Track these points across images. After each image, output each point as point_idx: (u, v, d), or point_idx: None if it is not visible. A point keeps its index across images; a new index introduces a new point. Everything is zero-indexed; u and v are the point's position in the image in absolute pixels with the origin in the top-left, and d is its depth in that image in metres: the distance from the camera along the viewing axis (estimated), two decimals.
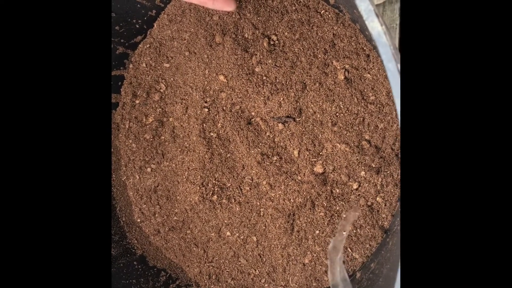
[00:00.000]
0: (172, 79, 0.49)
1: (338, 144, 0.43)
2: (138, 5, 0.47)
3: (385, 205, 0.44)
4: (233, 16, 0.46)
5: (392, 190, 0.43)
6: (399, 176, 0.43)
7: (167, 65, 0.50)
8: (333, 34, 0.45)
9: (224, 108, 0.47)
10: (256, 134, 0.46)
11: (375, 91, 0.44)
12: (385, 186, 0.43)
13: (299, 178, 0.44)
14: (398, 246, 0.30)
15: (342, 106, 0.44)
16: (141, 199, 0.50)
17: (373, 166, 0.43)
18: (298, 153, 0.45)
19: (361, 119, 0.44)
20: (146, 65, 0.50)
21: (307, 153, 0.44)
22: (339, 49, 0.44)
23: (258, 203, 0.46)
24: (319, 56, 0.44)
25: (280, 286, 0.46)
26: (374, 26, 0.24)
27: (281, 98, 0.44)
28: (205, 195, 0.47)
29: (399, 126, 0.26)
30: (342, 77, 0.44)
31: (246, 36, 0.46)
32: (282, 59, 0.45)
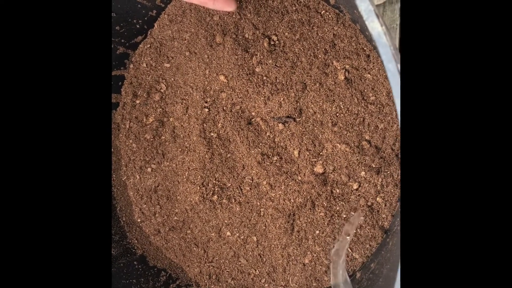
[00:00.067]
0: (172, 79, 0.49)
1: (338, 144, 0.44)
2: (139, 5, 0.47)
3: (385, 205, 0.44)
4: (234, 16, 0.46)
5: (392, 190, 0.43)
6: (399, 177, 0.43)
7: (168, 65, 0.50)
8: (334, 34, 0.45)
9: (224, 108, 0.47)
10: (257, 134, 0.46)
11: (375, 91, 0.44)
12: (385, 186, 0.43)
13: (299, 178, 0.44)
14: (398, 246, 0.30)
15: (342, 106, 0.44)
16: (141, 199, 0.50)
17: (373, 166, 0.43)
18: (298, 153, 0.45)
19: (361, 119, 0.44)
20: (146, 65, 0.50)
21: (307, 153, 0.44)
22: (339, 49, 0.44)
23: (258, 203, 0.46)
24: (320, 56, 0.44)
25: (280, 286, 0.46)
26: (374, 27, 0.24)
27: (282, 98, 0.44)
28: (205, 195, 0.47)
29: (399, 127, 0.26)
30: (342, 77, 0.44)
31: (247, 36, 0.46)
32: (282, 59, 0.45)
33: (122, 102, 0.51)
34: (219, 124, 0.47)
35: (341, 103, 0.44)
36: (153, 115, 0.50)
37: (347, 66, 0.44)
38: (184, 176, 0.48)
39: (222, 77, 0.46)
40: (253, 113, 0.46)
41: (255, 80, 0.45)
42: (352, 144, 0.43)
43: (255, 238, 0.46)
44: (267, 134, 0.46)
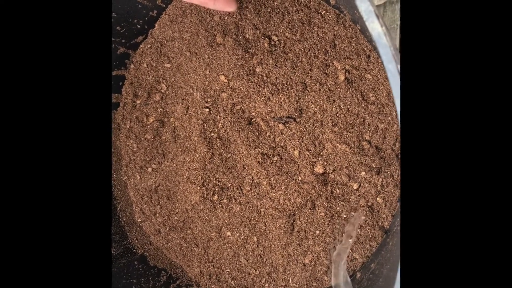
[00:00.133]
0: (173, 79, 0.50)
1: (338, 145, 0.44)
2: (139, 6, 0.47)
3: (385, 206, 0.44)
4: (234, 16, 0.46)
5: (392, 190, 0.44)
6: (399, 177, 0.43)
7: (168, 65, 0.50)
8: (334, 34, 0.45)
9: (225, 108, 0.47)
10: (257, 134, 0.46)
11: (375, 91, 0.44)
12: (385, 186, 0.43)
13: (300, 178, 0.44)
14: (398, 247, 0.30)
15: (342, 107, 0.44)
16: (141, 199, 0.50)
17: (374, 166, 0.43)
18: (299, 154, 0.45)
19: (362, 119, 0.44)
20: (147, 65, 0.50)
21: (308, 153, 0.44)
22: (339, 49, 0.44)
23: (259, 203, 0.46)
24: (320, 56, 0.44)
25: (280, 286, 0.46)
26: (374, 27, 0.24)
27: (282, 99, 0.44)
28: (205, 195, 0.47)
29: (399, 127, 0.26)
30: (343, 78, 0.44)
31: (247, 37, 0.46)
32: (282, 59, 0.45)
33: (122, 102, 0.51)
34: (220, 124, 0.47)
35: (341, 103, 0.44)
36: (154, 115, 0.50)
37: (347, 67, 0.44)
38: (185, 176, 0.48)
39: (222, 77, 0.46)
40: (254, 113, 0.46)
41: (256, 80, 0.45)
42: (353, 144, 0.43)
43: (255, 238, 0.47)
44: (268, 134, 0.46)
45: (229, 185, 0.47)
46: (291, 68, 0.45)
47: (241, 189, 0.47)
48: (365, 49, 0.44)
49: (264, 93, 0.45)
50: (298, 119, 0.45)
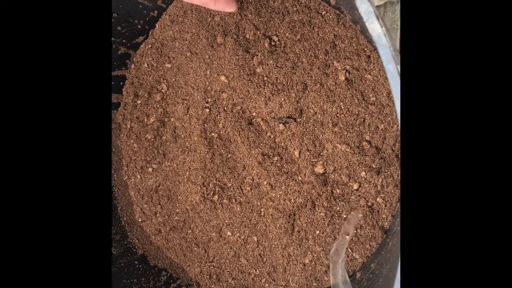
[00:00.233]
0: (173, 79, 0.50)
1: (338, 145, 0.44)
2: (140, 6, 0.48)
3: (385, 206, 0.44)
4: (235, 16, 0.46)
5: (392, 190, 0.44)
6: (399, 177, 0.43)
7: (169, 66, 0.50)
8: (334, 35, 0.45)
9: (225, 108, 0.47)
10: (257, 134, 0.46)
11: (375, 92, 0.44)
12: (385, 186, 0.43)
13: (300, 178, 0.45)
14: (398, 247, 0.30)
15: (342, 107, 0.44)
16: (142, 199, 0.50)
17: (374, 166, 0.43)
18: (299, 154, 0.45)
19: (362, 119, 0.44)
20: (147, 65, 0.50)
21: (308, 153, 0.44)
22: (340, 50, 0.45)
23: (259, 203, 0.46)
24: (320, 57, 0.44)
25: (280, 286, 0.46)
26: (374, 28, 0.24)
27: (282, 99, 0.44)
28: (206, 195, 0.47)
29: (399, 127, 0.26)
30: (343, 78, 0.44)
31: (248, 37, 0.46)
32: (283, 59, 0.45)
33: (123, 102, 0.51)
34: (220, 124, 0.47)
35: (341, 103, 0.44)
36: (154, 115, 0.50)
37: (347, 67, 0.44)
38: (185, 176, 0.48)
39: (223, 78, 0.46)
40: (254, 114, 0.46)
41: (256, 80, 0.45)
42: (353, 145, 0.43)
43: (255, 238, 0.47)
44: (268, 134, 0.46)
45: (230, 185, 0.47)
46: (291, 69, 0.45)
47: (242, 189, 0.47)
48: (365, 49, 0.44)
49: (264, 93, 0.45)
50: (298, 119, 0.45)
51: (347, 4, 0.40)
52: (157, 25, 0.50)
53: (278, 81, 0.45)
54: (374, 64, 0.44)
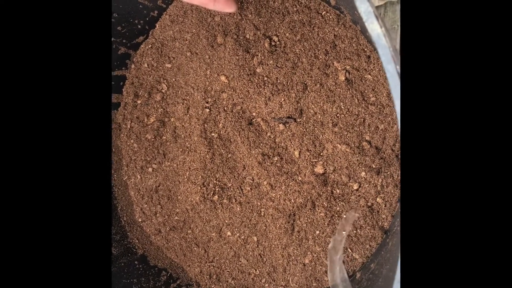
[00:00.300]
0: (173, 79, 0.50)
1: (338, 145, 0.44)
2: (140, 6, 0.48)
3: (385, 206, 0.44)
4: (235, 17, 0.46)
5: (392, 191, 0.44)
6: (399, 177, 0.43)
7: (169, 66, 0.50)
8: (334, 35, 0.45)
9: (225, 108, 0.47)
10: (257, 134, 0.46)
11: (375, 92, 0.44)
12: (385, 186, 0.43)
13: (300, 178, 0.45)
14: (397, 247, 0.30)
15: (342, 107, 0.44)
16: (142, 199, 0.50)
17: (374, 167, 0.43)
18: (299, 154, 0.45)
19: (362, 120, 0.44)
20: (148, 65, 0.50)
21: (308, 153, 0.44)
22: (340, 50, 0.45)
23: (259, 203, 0.46)
24: (320, 57, 0.44)
25: (280, 286, 0.46)
26: (374, 28, 0.24)
27: (282, 99, 0.44)
28: (206, 195, 0.47)
29: (399, 127, 0.26)
30: (343, 78, 0.44)
31: (248, 37, 0.46)
32: (283, 60, 0.45)
33: (123, 102, 0.51)
34: (220, 125, 0.47)
35: (341, 103, 0.44)
36: (154, 115, 0.50)
37: (347, 67, 0.44)
38: (185, 176, 0.48)
39: (223, 78, 0.46)
40: (254, 114, 0.46)
41: (256, 80, 0.45)
42: (353, 145, 0.43)
43: (255, 238, 0.47)
44: (268, 134, 0.46)
45: (230, 185, 0.47)
46: (291, 69, 0.45)
47: (242, 189, 0.47)
48: (365, 49, 0.44)
49: (264, 94, 0.45)
50: (298, 120, 0.45)
51: (347, 4, 0.40)
52: (157, 25, 0.50)
53: (278, 81, 0.45)
54: (374, 64, 0.44)
